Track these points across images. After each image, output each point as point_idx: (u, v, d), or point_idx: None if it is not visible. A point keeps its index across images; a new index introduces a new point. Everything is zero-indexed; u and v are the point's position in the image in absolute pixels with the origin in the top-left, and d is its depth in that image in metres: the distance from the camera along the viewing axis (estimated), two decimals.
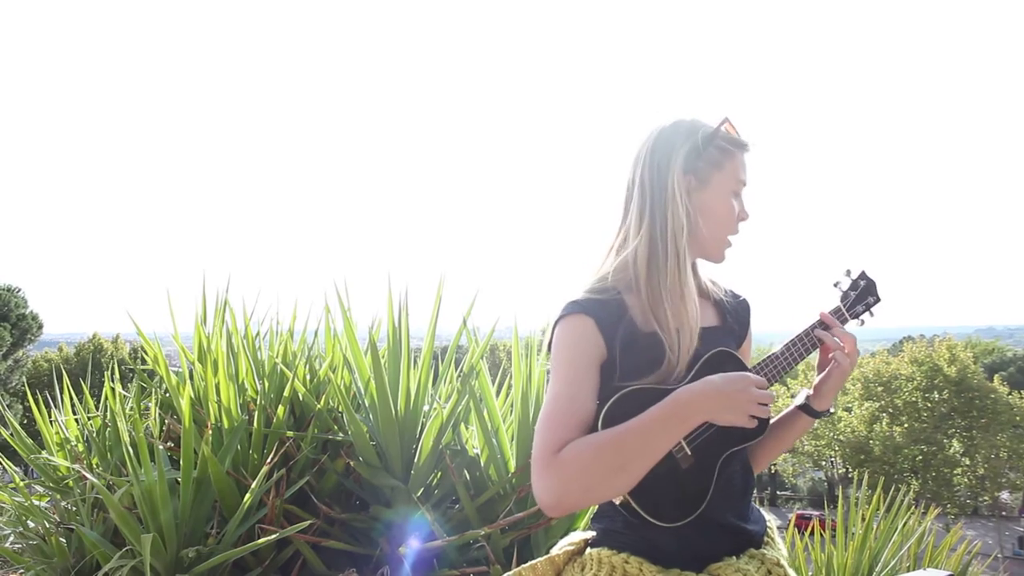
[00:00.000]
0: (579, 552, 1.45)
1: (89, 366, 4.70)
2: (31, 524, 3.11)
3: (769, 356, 1.44)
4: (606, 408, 1.32)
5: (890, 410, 33.49)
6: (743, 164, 1.46)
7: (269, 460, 2.79)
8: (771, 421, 1.55)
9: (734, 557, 1.36)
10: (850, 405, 34.54)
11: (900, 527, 3.52)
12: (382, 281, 3.04)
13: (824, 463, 38.24)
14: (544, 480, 1.26)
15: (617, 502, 1.38)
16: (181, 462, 2.70)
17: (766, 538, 1.46)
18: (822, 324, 1.47)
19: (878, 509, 3.56)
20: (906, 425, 32.48)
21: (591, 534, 1.46)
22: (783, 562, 1.40)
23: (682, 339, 1.36)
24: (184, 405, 2.78)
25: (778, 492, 44.97)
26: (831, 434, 33.76)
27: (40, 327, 31.19)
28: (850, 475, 33.17)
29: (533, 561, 1.44)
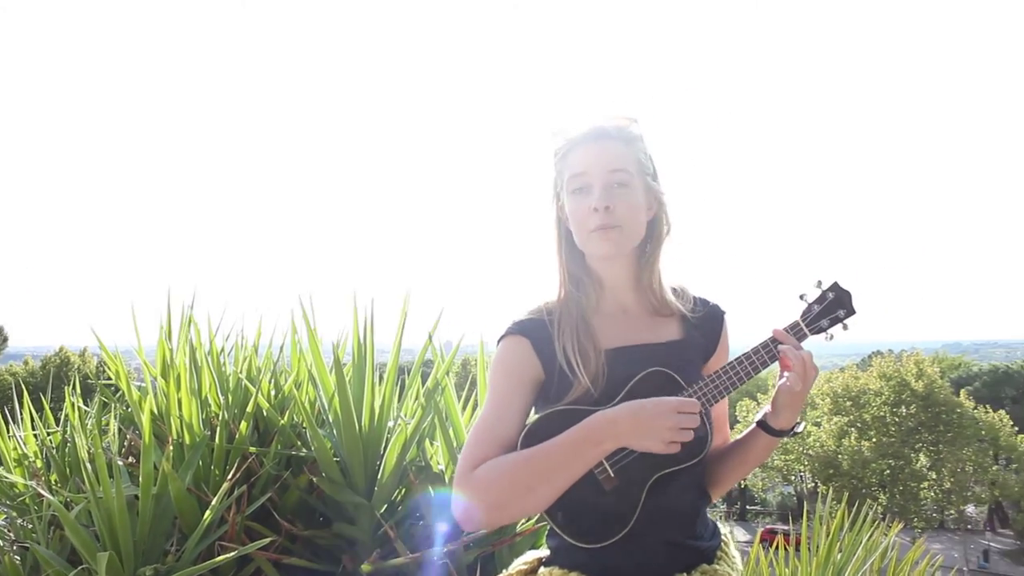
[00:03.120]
0: (532, 571, 1.46)
1: (49, 380, 4.61)
2: None
3: (710, 376, 1.36)
4: (527, 428, 1.33)
5: (859, 424, 33.89)
6: (575, 160, 1.40)
7: (231, 476, 2.75)
8: (733, 440, 1.55)
9: (685, 574, 1.37)
10: (819, 420, 34.87)
11: (865, 541, 3.54)
12: (348, 296, 3.03)
13: (793, 478, 38.55)
14: (457, 497, 1.29)
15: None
16: (140, 478, 2.66)
17: (720, 553, 1.46)
18: (774, 341, 1.38)
19: (843, 524, 3.58)
20: (874, 439, 32.88)
21: (547, 552, 1.46)
22: None
23: (585, 364, 1.34)
24: (145, 420, 2.74)
25: (748, 507, 45.23)
26: (800, 449, 34.07)
27: (5, 340, 30.61)
28: (819, 489, 33.50)
29: None
